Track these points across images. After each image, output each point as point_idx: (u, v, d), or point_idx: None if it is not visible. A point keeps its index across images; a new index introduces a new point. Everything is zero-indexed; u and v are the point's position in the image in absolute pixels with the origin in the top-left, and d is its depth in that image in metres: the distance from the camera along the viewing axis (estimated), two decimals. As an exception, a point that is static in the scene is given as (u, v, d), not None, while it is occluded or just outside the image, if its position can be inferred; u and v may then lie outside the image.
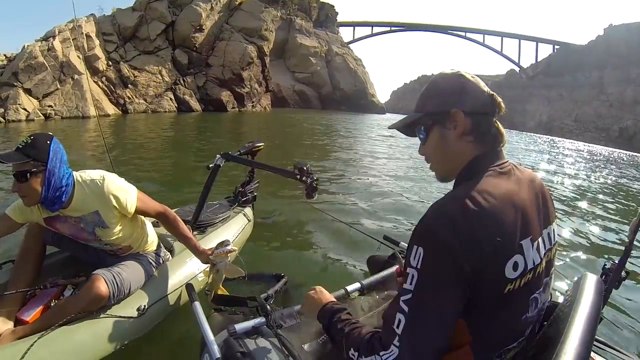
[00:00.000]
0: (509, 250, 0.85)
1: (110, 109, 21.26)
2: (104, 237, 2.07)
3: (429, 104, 1.05)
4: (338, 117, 30.70)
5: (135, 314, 2.03)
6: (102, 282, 1.92)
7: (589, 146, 35.91)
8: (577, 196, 8.71)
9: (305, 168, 3.04)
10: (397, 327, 0.86)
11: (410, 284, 0.86)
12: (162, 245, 2.53)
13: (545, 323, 1.10)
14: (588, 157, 23.26)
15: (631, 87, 45.49)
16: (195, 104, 26.86)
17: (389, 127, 1.19)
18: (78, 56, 20.25)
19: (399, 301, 0.88)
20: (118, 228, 2.07)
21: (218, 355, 1.32)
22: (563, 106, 53.78)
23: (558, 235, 1.06)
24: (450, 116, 0.99)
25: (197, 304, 1.75)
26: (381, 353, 0.89)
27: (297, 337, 1.45)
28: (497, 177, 0.94)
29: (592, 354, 1.13)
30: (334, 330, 1.13)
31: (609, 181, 12.57)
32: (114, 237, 2.09)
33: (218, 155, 3.18)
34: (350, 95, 51.07)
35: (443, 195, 0.94)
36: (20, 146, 1.79)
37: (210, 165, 3.19)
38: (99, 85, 21.83)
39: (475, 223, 0.83)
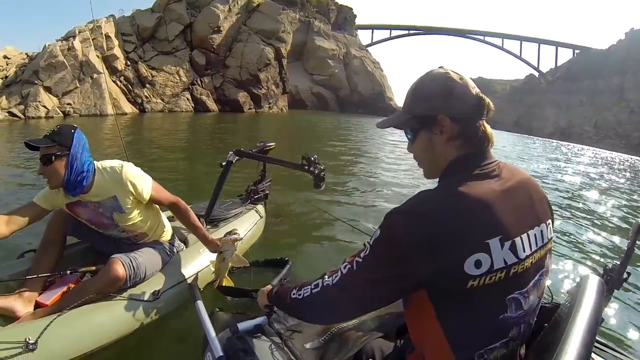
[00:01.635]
0: (469, 248, 0.86)
1: (128, 108, 21.59)
2: (121, 222, 2.18)
3: (417, 106, 1.05)
4: (354, 120, 30.57)
5: (150, 297, 2.11)
6: (120, 265, 2.03)
7: (608, 153, 35.25)
8: (582, 198, 8.70)
9: (312, 159, 3.11)
10: (344, 269, 1.01)
11: (364, 251, 0.97)
12: (176, 236, 2.62)
13: (546, 324, 1.11)
14: (602, 162, 22.90)
15: (652, 94, 44.62)
16: (212, 104, 27.09)
17: (377, 125, 1.23)
18: (97, 56, 20.61)
19: (358, 254, 0.98)
20: (134, 214, 2.18)
21: (220, 353, 1.33)
22: (582, 112, 52.92)
23: (558, 236, 1.06)
24: (437, 122, 0.99)
25: (200, 303, 1.77)
26: (325, 278, 1.07)
27: (299, 336, 1.47)
28: (474, 178, 0.95)
29: (593, 355, 1.11)
30: (283, 291, 1.26)
31: (618, 185, 12.48)
32: (130, 223, 2.20)
33: (230, 152, 3.25)
34: (367, 98, 50.86)
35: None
36: (48, 133, 1.97)
37: (223, 163, 3.27)
38: (117, 85, 22.16)
39: (435, 222, 0.87)
